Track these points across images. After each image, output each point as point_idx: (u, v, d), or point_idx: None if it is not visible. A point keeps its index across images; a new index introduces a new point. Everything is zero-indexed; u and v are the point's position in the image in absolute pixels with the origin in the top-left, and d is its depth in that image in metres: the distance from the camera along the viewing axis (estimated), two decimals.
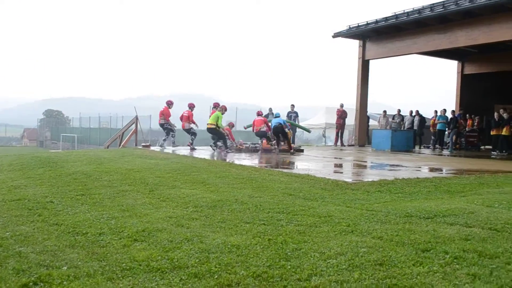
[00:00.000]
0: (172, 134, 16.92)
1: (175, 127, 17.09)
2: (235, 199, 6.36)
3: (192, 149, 16.17)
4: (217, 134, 16.10)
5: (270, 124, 16.82)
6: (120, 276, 3.47)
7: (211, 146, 16.73)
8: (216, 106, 17.11)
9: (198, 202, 6.18)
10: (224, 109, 16.48)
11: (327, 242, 4.23)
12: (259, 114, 17.13)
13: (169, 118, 16.81)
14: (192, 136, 16.55)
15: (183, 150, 15.61)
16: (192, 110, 16.92)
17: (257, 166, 10.78)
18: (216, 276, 3.37)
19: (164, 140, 17.02)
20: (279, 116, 16.88)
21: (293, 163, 12.71)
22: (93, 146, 38.58)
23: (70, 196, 6.78)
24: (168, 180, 8.19)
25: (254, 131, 16.77)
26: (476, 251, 3.94)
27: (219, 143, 16.27)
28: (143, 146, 17.60)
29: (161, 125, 16.85)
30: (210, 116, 16.49)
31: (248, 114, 19.01)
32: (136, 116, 20.88)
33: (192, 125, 16.83)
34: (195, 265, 3.61)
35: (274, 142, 16.35)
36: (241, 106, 46.50)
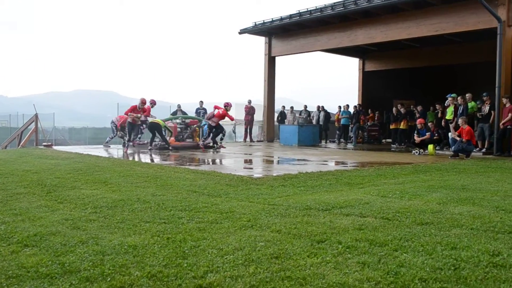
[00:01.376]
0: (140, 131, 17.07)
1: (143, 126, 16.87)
2: (137, 198, 6.22)
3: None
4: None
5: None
6: (5, 285, 3.25)
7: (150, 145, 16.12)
8: (152, 103, 17.69)
9: (98, 202, 5.97)
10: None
11: (226, 238, 4.24)
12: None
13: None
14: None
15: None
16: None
17: (163, 164, 10.63)
18: (109, 279, 3.25)
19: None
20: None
21: (201, 160, 12.66)
22: None
23: None
24: (68, 181, 7.85)
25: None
26: (367, 240, 4.10)
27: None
28: (45, 145, 16.77)
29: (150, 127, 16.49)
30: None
31: (158, 110, 18.72)
32: (36, 114, 19.80)
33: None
34: (88, 268, 3.46)
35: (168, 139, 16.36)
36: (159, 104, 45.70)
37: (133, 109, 14.97)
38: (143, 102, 15.21)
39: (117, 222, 4.91)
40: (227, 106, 16.49)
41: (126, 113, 15.22)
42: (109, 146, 17.28)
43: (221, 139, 17.23)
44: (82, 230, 4.60)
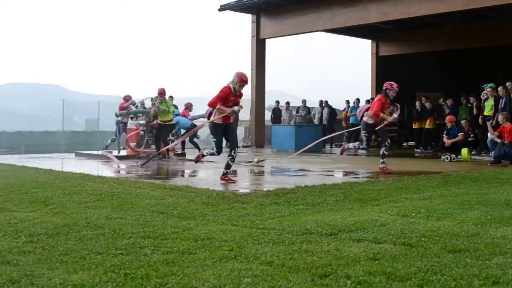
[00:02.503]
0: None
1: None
2: (86, 223, 6.15)
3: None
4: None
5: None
6: None
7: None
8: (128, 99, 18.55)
9: (35, 228, 5.88)
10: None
11: (202, 273, 4.18)
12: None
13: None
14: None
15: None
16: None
17: (121, 178, 10.57)
18: None
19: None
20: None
21: (171, 171, 12.59)
22: None
23: None
24: None
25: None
26: (384, 273, 4.07)
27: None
28: None
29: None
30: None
31: (112, 108, 18.85)
32: None
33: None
34: None
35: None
36: (101, 98, 45.73)
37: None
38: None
39: (60, 254, 4.84)
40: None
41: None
42: (111, 152, 17.40)
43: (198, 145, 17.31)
44: (12, 266, 4.51)
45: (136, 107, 18.55)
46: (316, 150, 19.72)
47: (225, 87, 9.94)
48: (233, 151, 9.94)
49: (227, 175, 10.11)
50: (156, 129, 16.07)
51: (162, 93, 15.33)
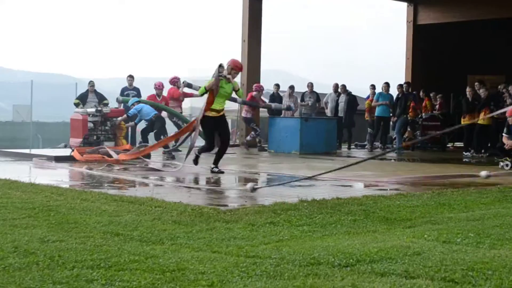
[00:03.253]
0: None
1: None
2: (13, 247, 6.14)
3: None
4: None
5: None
6: None
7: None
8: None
9: None
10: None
11: None
12: None
13: None
14: None
15: None
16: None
17: (62, 186, 10.56)
18: None
19: None
20: None
21: (130, 178, 12.59)
22: None
23: None
24: None
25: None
26: None
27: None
28: None
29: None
30: None
31: (60, 90, 18.87)
32: None
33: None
34: None
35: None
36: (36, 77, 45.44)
37: None
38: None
39: None
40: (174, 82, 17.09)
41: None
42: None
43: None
44: None
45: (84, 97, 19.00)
46: (327, 151, 19.78)
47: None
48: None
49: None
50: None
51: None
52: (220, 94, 12.75)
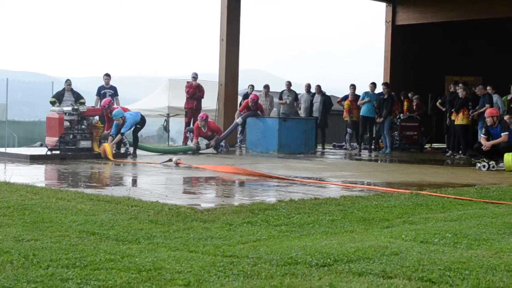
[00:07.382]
0: None
1: None
2: None
3: None
4: None
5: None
6: None
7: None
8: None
9: None
10: None
11: None
12: None
13: None
14: None
15: None
16: None
17: (37, 185, 10.52)
18: None
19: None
20: None
21: (109, 178, 12.57)
22: None
23: None
24: None
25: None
26: None
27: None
28: None
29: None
30: None
31: (33, 90, 18.75)
32: None
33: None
34: None
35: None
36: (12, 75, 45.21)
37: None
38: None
39: None
40: None
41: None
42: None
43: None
44: None
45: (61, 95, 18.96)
46: (304, 151, 19.80)
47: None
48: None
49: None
50: None
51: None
52: None
